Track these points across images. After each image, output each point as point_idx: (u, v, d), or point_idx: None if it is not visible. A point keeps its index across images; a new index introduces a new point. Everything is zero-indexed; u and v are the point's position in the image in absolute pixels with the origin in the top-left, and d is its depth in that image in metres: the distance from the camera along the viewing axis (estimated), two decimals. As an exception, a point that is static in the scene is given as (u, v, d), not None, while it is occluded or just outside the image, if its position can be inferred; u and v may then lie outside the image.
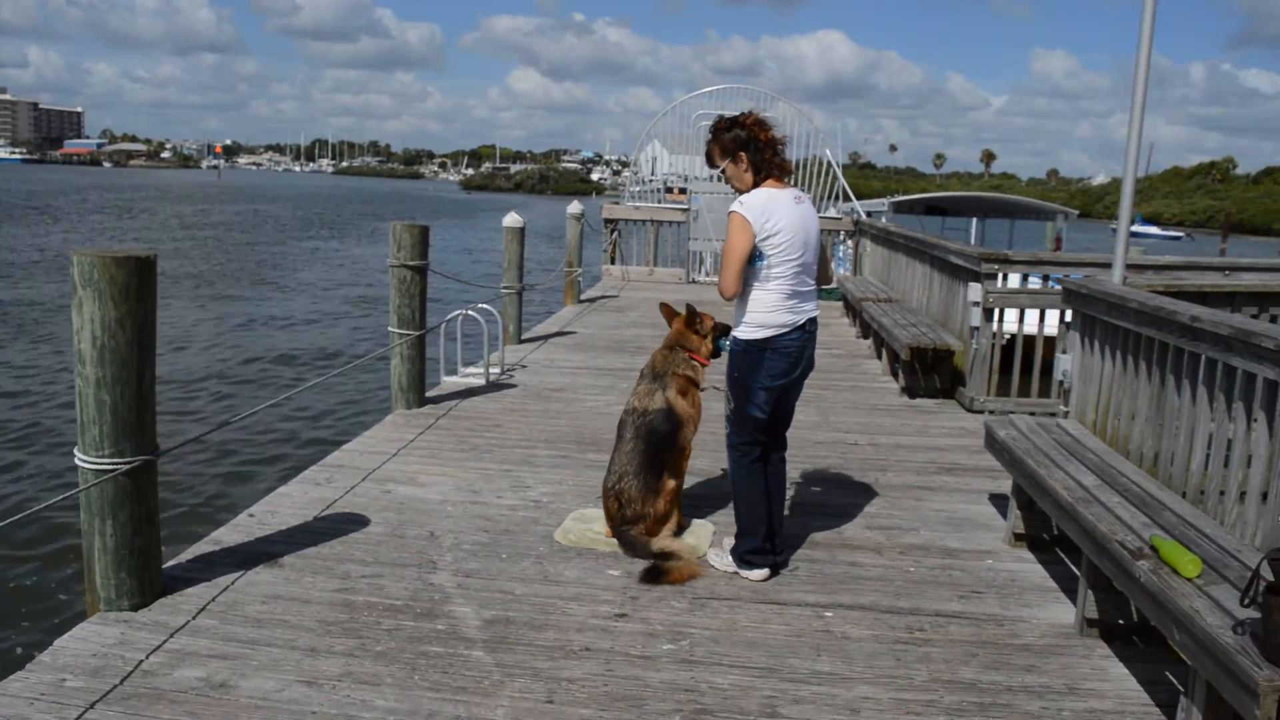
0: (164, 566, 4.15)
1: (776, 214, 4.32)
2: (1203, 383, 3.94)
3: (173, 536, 4.41)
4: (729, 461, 4.62)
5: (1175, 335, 4.12)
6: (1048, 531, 4.97)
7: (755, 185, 4.43)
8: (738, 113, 4.57)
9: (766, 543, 4.48)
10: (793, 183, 4.59)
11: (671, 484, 4.76)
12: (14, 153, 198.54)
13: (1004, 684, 3.59)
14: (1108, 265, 7.38)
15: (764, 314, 4.38)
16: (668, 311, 5.18)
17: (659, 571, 4.41)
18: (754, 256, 4.34)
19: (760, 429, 4.49)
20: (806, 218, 4.45)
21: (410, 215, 60.96)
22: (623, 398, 4.86)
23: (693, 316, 5.02)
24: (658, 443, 4.71)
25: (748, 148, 4.42)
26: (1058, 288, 8.12)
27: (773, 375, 4.43)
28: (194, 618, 3.83)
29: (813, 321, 4.51)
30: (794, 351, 4.43)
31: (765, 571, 4.46)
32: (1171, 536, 3.48)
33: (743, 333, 4.45)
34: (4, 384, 12.39)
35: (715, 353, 5.03)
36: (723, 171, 4.55)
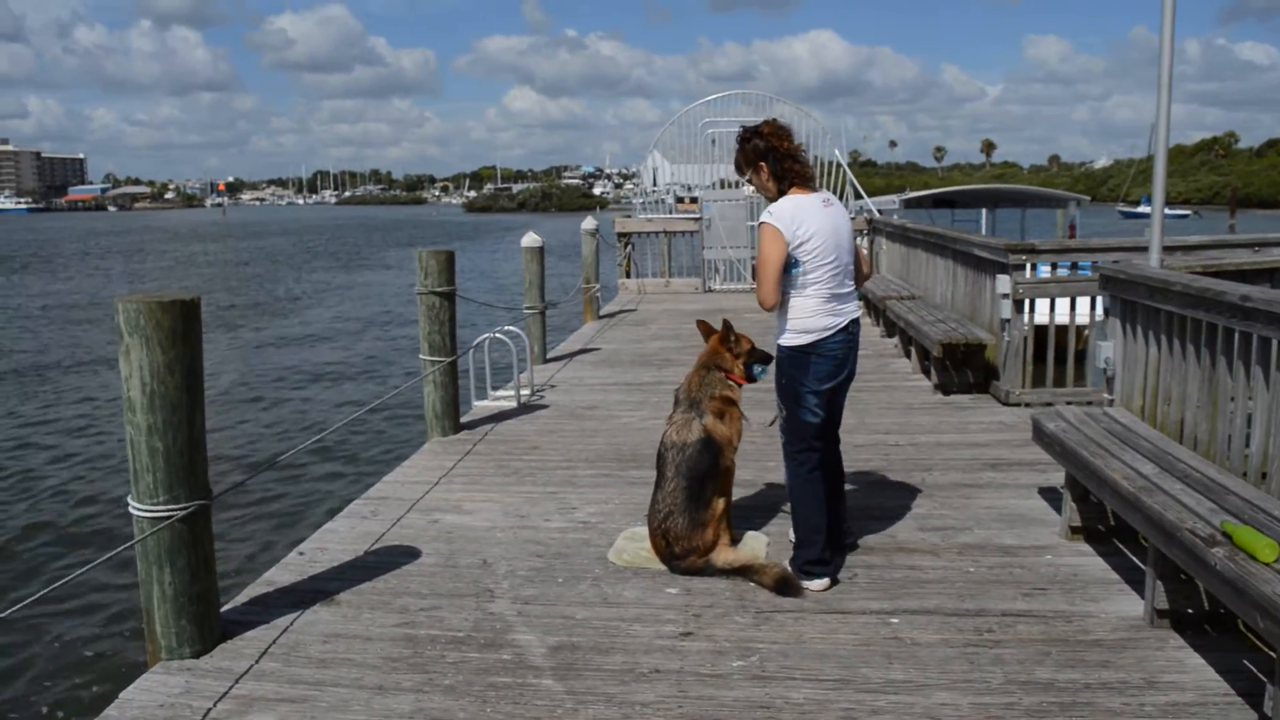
0: (221, 610, 4.12)
1: (807, 220, 4.32)
2: (1257, 362, 3.88)
3: (223, 579, 4.37)
4: (786, 471, 4.59)
5: (1225, 316, 4.07)
6: (1103, 523, 4.91)
7: (781, 193, 4.44)
8: (760, 121, 4.61)
9: (825, 552, 4.44)
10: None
11: (720, 506, 4.69)
12: (20, 202, 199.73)
13: (1081, 682, 3.53)
14: (1135, 249, 7.37)
15: (805, 319, 4.38)
16: (705, 328, 5.07)
17: (751, 571, 4.49)
18: (789, 264, 4.33)
19: (816, 434, 4.48)
20: (837, 220, 4.44)
21: (418, 241, 61.14)
22: (656, 412, 4.83)
23: (728, 334, 4.91)
24: (700, 477, 4.61)
25: (767, 157, 4.45)
26: (1087, 274, 8.08)
27: (820, 379, 4.42)
28: (257, 661, 3.80)
29: (855, 323, 4.50)
30: (839, 354, 4.43)
31: (825, 581, 4.40)
32: (1242, 521, 3.43)
33: (787, 340, 4.44)
34: (43, 438, 12.42)
35: (750, 377, 4.93)
36: (749, 180, 4.61)
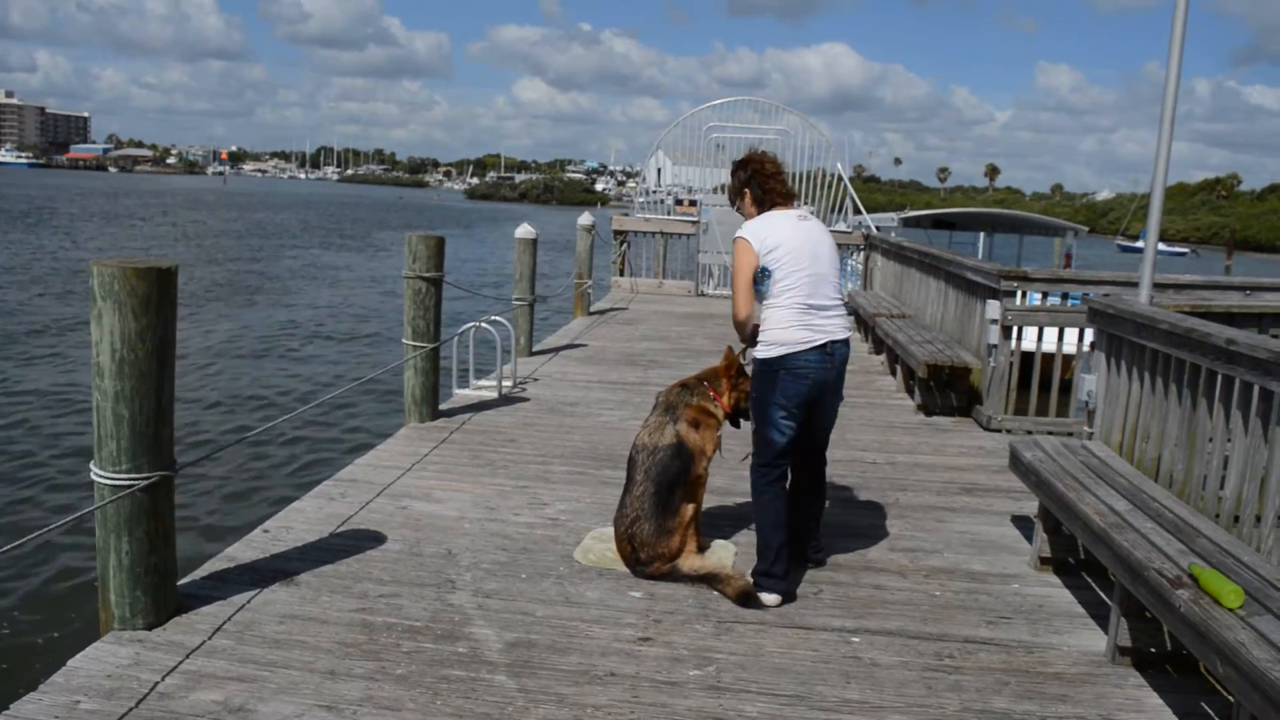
0: (178, 584, 4.07)
1: (775, 230, 4.43)
2: (1238, 406, 3.86)
3: (185, 552, 4.33)
4: (751, 480, 4.56)
5: (1209, 358, 4.05)
6: (1074, 555, 4.90)
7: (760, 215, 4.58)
8: (747, 154, 4.76)
9: (778, 566, 4.38)
10: (802, 200, 4.70)
11: (689, 512, 4.65)
12: (20, 157, 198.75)
13: (1038, 714, 3.51)
14: (1127, 284, 7.35)
15: (777, 330, 4.37)
16: (728, 355, 4.91)
17: (716, 580, 4.46)
18: (762, 275, 4.40)
19: (780, 453, 4.45)
20: (811, 231, 4.50)
21: (416, 224, 61.01)
22: (637, 412, 4.80)
23: (740, 371, 4.85)
24: (669, 482, 4.58)
25: (750, 184, 4.62)
26: (1076, 305, 8.07)
27: (789, 397, 4.37)
28: (210, 638, 3.76)
29: (837, 345, 4.43)
30: (811, 374, 4.36)
31: (777, 597, 4.35)
32: (1210, 565, 3.41)
33: (759, 352, 4.44)
34: (10, 398, 12.32)
35: (734, 416, 4.90)
36: (738, 209, 4.76)
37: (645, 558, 4.56)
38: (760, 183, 4.57)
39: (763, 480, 4.47)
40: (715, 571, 4.51)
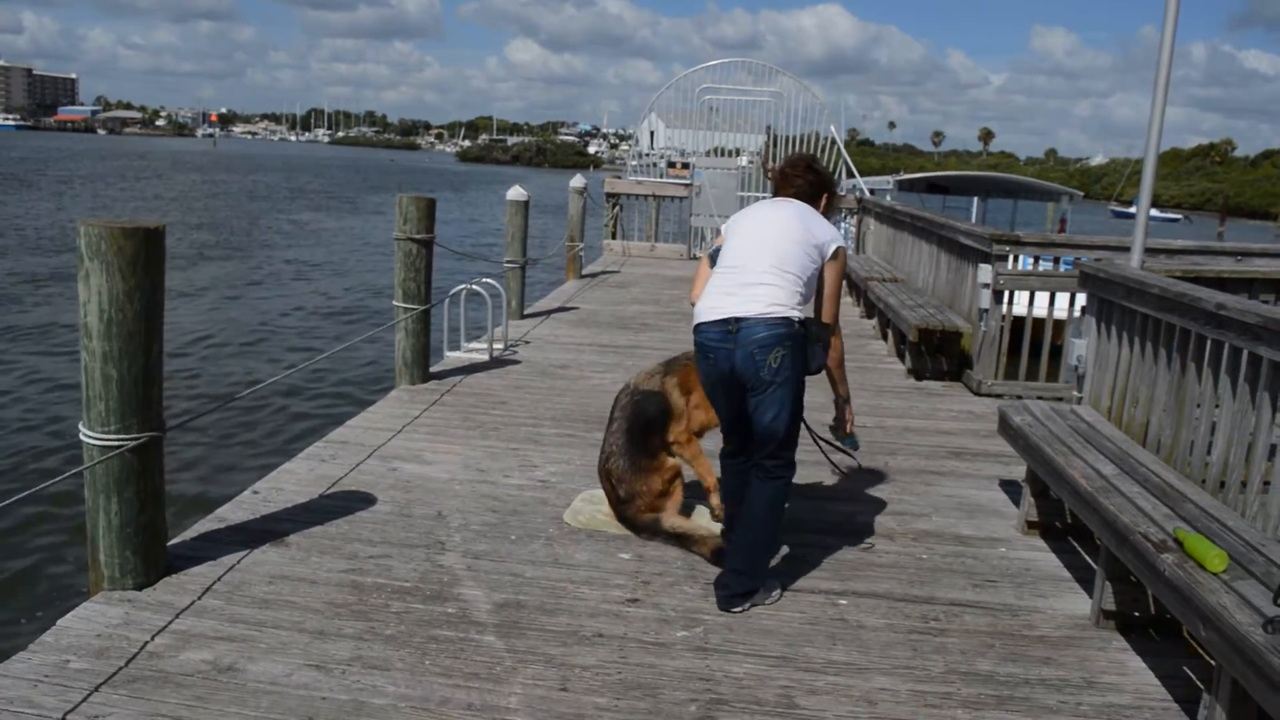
0: (168, 544, 4.08)
1: (743, 213, 4.32)
2: (1226, 371, 3.87)
3: (175, 513, 4.34)
4: None
5: (1199, 322, 4.05)
6: (1060, 520, 4.92)
7: None
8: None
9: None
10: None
11: (671, 462, 4.65)
12: (8, 119, 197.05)
13: (1021, 676, 3.54)
14: (1120, 248, 7.35)
15: (698, 301, 4.13)
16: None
17: (692, 540, 4.44)
18: (715, 255, 4.27)
19: (724, 428, 4.30)
20: (777, 212, 4.15)
21: (405, 187, 60.67)
22: (628, 375, 4.79)
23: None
24: (644, 424, 4.59)
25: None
26: (1068, 270, 8.07)
27: (702, 374, 4.15)
28: (199, 598, 3.77)
29: (744, 324, 3.85)
30: (712, 353, 3.95)
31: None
32: (1195, 529, 3.43)
33: None
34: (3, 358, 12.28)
35: None
36: None
37: (624, 495, 4.58)
38: (774, 184, 4.39)
39: (721, 452, 4.39)
40: (691, 532, 4.53)
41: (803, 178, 4.27)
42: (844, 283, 4.52)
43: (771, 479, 4.00)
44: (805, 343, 3.95)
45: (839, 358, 4.43)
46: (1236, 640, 2.77)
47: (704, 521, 4.82)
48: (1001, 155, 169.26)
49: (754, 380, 3.88)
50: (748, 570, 3.99)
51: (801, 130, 18.79)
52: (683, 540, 4.51)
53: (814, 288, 4.07)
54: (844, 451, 4.90)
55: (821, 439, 4.78)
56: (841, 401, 4.63)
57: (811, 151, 18.38)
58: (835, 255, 4.09)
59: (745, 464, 4.14)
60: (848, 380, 4.60)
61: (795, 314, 3.88)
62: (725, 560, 4.16)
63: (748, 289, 3.91)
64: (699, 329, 4.01)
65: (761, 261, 3.95)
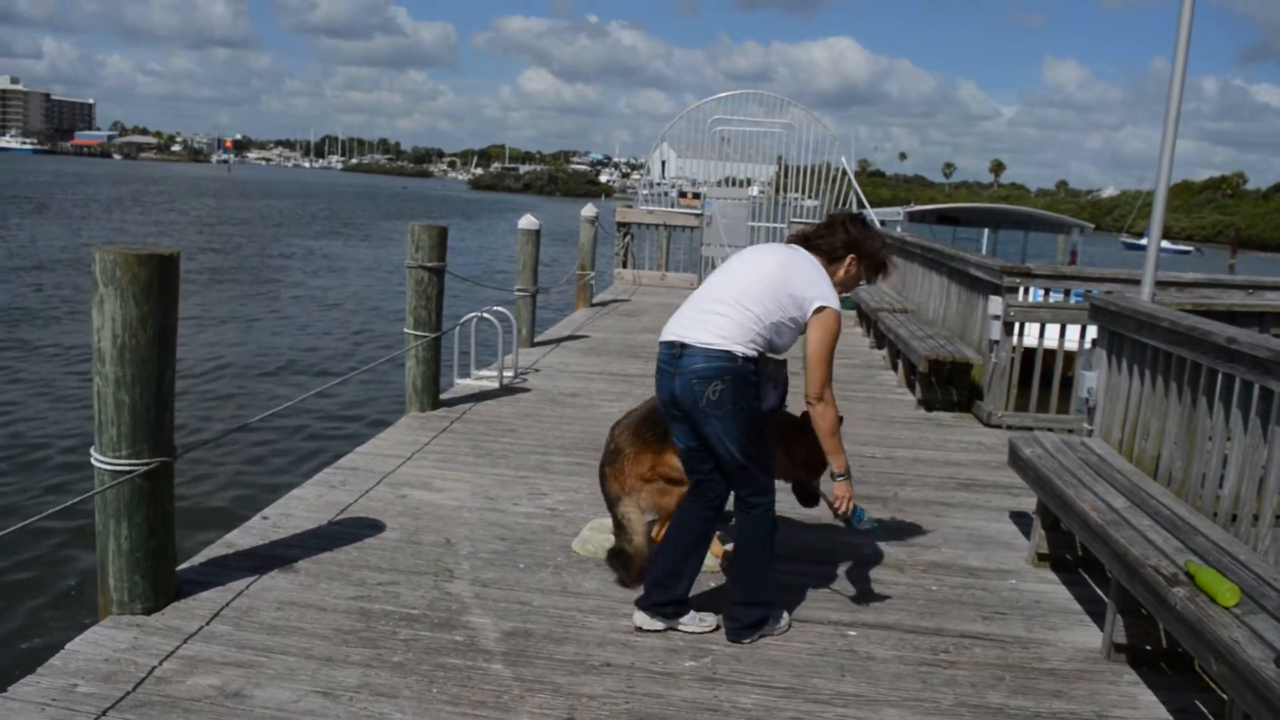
0: (177, 569, 4.08)
1: (741, 250, 4.20)
2: (1238, 405, 3.87)
3: (184, 538, 4.35)
4: None
5: (1210, 356, 4.05)
6: (1071, 552, 4.90)
7: None
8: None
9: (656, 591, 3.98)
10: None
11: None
12: (25, 143, 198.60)
13: (1031, 710, 3.52)
14: (1130, 281, 7.34)
15: None
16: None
17: (621, 531, 4.28)
18: None
19: (685, 463, 4.07)
20: (768, 252, 4.05)
21: (419, 214, 60.93)
22: (637, 404, 4.75)
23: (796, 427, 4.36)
24: (659, 420, 4.18)
25: None
26: (1079, 302, 8.07)
27: (656, 392, 4.02)
28: (208, 623, 3.77)
29: (684, 350, 3.78)
30: (660, 374, 3.89)
31: (641, 616, 3.98)
32: (1206, 563, 3.41)
33: None
34: (11, 383, 12.34)
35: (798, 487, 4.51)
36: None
37: (611, 448, 4.37)
38: None
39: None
40: (630, 530, 4.29)
41: (834, 232, 4.05)
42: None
43: (748, 508, 3.91)
44: (752, 379, 3.79)
45: (829, 428, 3.94)
46: (1248, 675, 2.75)
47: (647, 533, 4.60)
48: (1013, 187, 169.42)
49: (694, 410, 3.77)
50: (752, 600, 3.94)
51: (812, 161, 18.85)
52: (618, 532, 4.33)
53: (787, 337, 3.92)
54: (859, 530, 4.25)
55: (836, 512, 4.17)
56: (836, 475, 4.04)
57: (823, 182, 18.44)
58: (819, 314, 3.84)
59: (693, 499, 3.99)
60: (844, 451, 4.02)
61: (741, 349, 3.74)
62: (730, 594, 4.05)
63: (702, 315, 3.84)
64: (660, 351, 3.92)
65: (725, 293, 3.86)
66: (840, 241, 4.03)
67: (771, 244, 4.20)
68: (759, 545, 3.94)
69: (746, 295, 3.82)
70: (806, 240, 4.08)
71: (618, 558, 4.32)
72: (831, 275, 3.99)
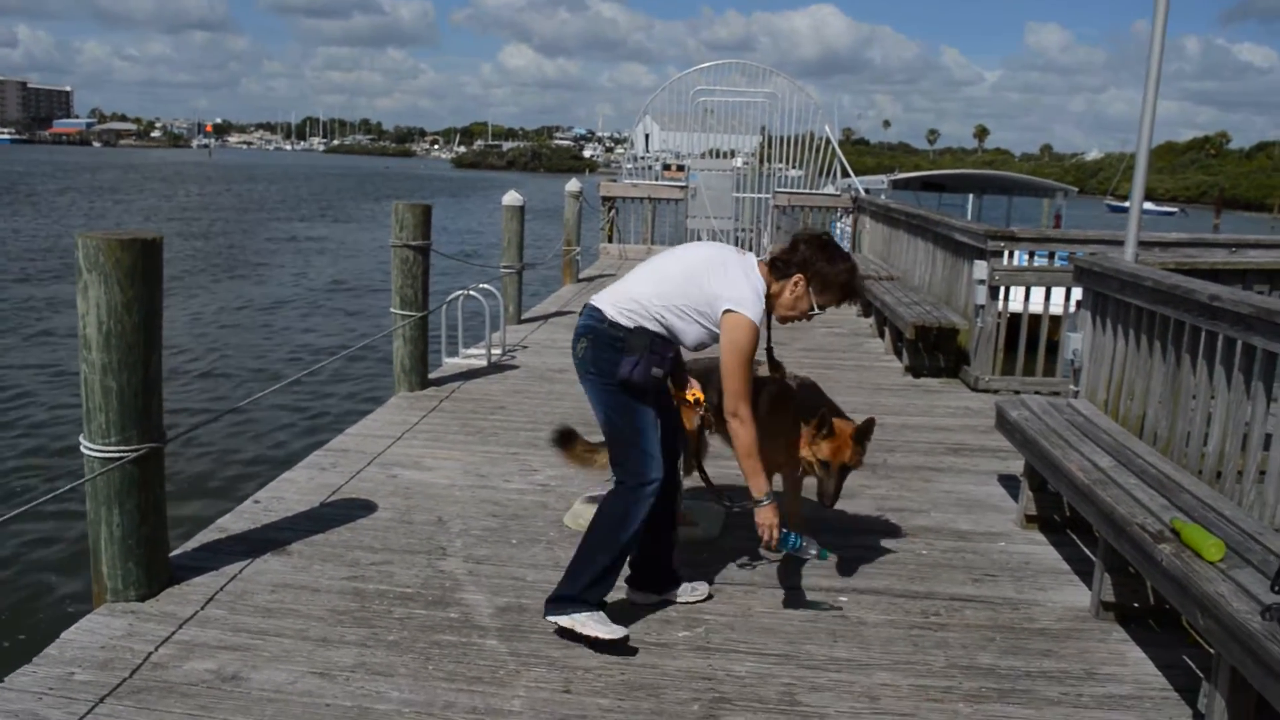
0: (170, 555, 4.09)
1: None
2: (1221, 362, 3.89)
3: (176, 524, 4.35)
4: None
5: (1193, 314, 4.07)
6: (1059, 513, 4.94)
7: None
8: None
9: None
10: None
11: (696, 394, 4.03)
12: (3, 133, 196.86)
13: (1022, 669, 3.56)
14: (1114, 242, 7.36)
15: None
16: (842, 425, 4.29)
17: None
18: None
19: None
20: (701, 248, 3.89)
21: (401, 194, 60.66)
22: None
23: (864, 434, 4.29)
24: (765, 385, 4.07)
25: None
26: (1064, 265, 8.09)
27: None
28: (202, 608, 3.79)
29: (583, 330, 3.69)
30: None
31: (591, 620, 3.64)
32: (1192, 519, 3.45)
33: None
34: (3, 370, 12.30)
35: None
36: None
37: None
38: None
39: None
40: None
41: (792, 250, 3.80)
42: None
43: (615, 486, 3.70)
44: (617, 345, 3.59)
45: (745, 448, 3.64)
46: (1234, 628, 2.79)
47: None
48: (997, 152, 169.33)
49: (577, 368, 3.72)
50: (561, 594, 3.64)
51: (796, 130, 18.79)
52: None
53: (691, 334, 3.68)
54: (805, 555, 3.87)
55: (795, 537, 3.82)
56: (756, 502, 3.69)
57: (806, 151, 18.39)
58: (727, 318, 3.58)
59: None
60: (764, 474, 3.68)
61: (617, 316, 3.60)
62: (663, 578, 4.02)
63: (618, 284, 3.75)
64: None
65: (646, 269, 3.76)
66: (794, 259, 3.77)
67: (728, 246, 3.96)
68: (600, 527, 3.66)
69: (660, 274, 3.70)
70: (772, 257, 3.86)
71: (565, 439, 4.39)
72: (775, 293, 3.76)
